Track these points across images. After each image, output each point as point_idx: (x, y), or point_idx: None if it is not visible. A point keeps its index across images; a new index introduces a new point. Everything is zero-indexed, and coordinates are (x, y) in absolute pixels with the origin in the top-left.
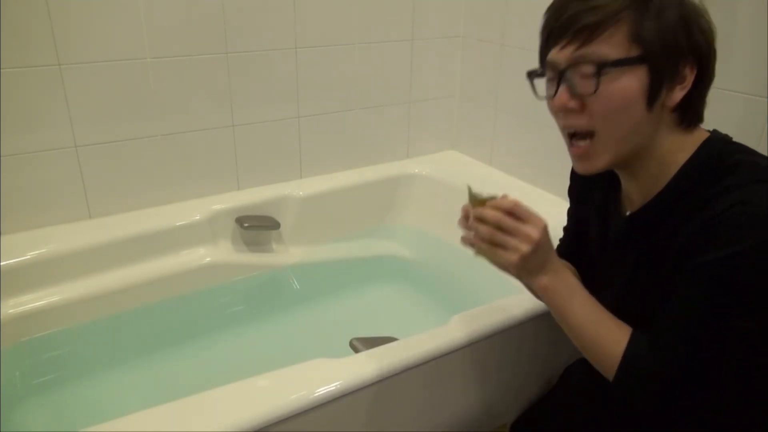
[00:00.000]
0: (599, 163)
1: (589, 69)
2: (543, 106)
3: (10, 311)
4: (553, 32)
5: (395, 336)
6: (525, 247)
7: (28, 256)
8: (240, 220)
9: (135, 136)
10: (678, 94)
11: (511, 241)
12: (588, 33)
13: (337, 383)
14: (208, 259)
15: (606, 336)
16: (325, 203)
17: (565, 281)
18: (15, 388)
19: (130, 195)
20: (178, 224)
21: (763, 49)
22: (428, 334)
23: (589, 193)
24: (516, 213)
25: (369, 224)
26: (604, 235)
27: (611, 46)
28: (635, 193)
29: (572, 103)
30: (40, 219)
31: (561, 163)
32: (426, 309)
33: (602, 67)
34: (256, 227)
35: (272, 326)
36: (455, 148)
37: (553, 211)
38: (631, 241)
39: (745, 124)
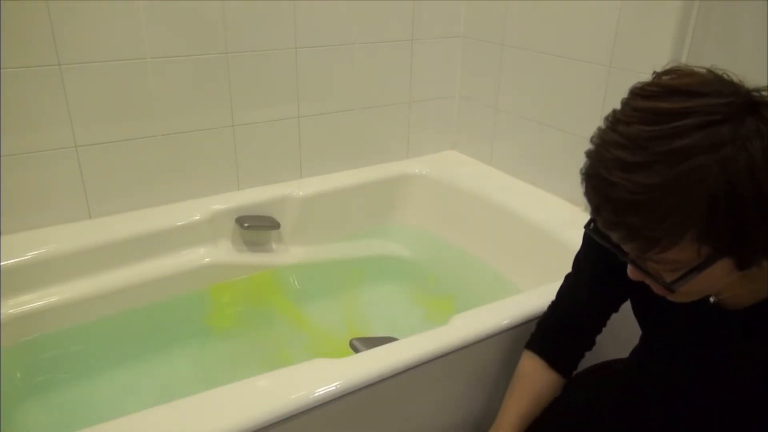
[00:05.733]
0: None
1: None
2: (543, 107)
3: (10, 311)
4: None
5: (395, 336)
6: None
7: (28, 256)
8: (240, 220)
9: (135, 136)
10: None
11: None
12: None
13: (337, 383)
14: (207, 259)
15: None
16: (325, 203)
17: None
18: (15, 388)
19: (130, 195)
20: (178, 224)
21: (763, 49)
22: (428, 334)
23: None
24: None
25: (369, 224)
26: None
27: None
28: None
29: None
30: (40, 219)
31: (561, 164)
32: (426, 309)
33: None
34: (256, 227)
35: (272, 326)
36: (455, 148)
37: (552, 211)
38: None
39: None
